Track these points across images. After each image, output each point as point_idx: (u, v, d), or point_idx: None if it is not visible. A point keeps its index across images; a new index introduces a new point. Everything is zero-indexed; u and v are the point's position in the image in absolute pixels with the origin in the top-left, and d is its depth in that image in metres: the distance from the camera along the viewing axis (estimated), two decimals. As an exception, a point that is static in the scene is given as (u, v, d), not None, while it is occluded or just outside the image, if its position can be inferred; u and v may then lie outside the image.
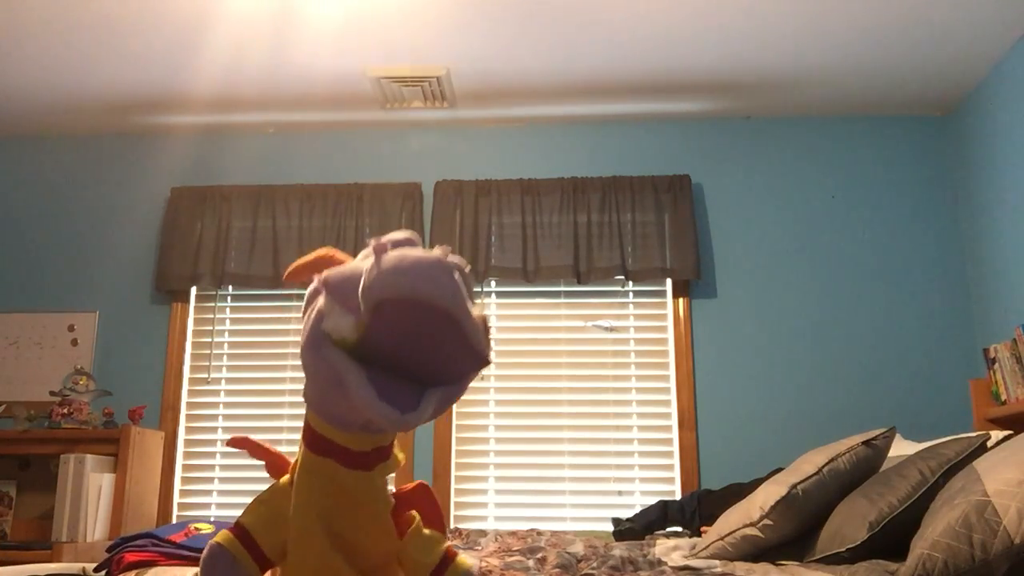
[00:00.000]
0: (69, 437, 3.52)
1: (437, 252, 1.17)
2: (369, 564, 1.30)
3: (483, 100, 3.90)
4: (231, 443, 1.46)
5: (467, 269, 1.25)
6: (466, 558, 1.36)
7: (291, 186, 4.01)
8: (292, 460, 1.38)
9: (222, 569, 1.26)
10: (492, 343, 1.40)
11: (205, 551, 1.28)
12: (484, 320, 1.25)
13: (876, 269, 3.86)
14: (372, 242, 1.20)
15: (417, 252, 1.15)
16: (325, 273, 1.22)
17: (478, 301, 1.34)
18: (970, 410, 3.60)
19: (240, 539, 1.28)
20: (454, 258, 1.19)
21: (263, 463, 1.45)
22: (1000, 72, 3.53)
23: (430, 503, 1.38)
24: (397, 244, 1.26)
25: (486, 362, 1.21)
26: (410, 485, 1.40)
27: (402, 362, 1.16)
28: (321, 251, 1.40)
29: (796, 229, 3.93)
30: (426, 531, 1.35)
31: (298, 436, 3.95)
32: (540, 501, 3.74)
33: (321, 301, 1.21)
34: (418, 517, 1.36)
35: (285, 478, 1.34)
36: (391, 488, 1.39)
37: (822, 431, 3.69)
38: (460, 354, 1.17)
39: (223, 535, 1.29)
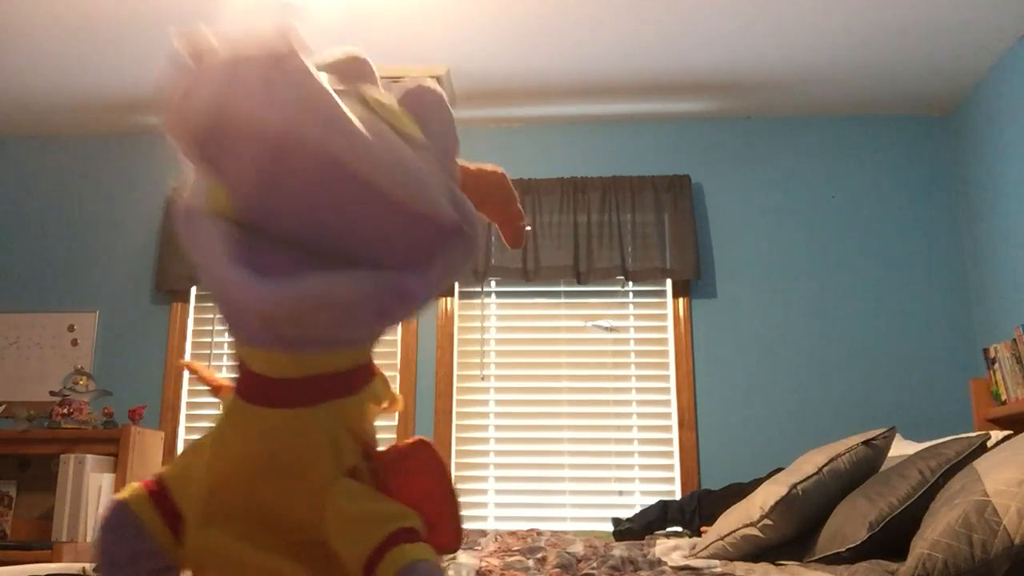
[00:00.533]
0: (69, 437, 3.51)
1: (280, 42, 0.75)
2: (301, 539, 0.89)
3: (483, 100, 3.90)
4: (182, 365, 1.20)
5: (414, 87, 0.85)
6: (421, 547, 0.87)
7: (291, 186, 4.00)
8: None
9: (122, 535, 0.93)
10: (517, 227, 0.97)
11: (104, 509, 0.96)
12: (485, 176, 0.87)
13: (876, 269, 3.86)
14: (181, 39, 0.76)
15: (249, 51, 0.75)
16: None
17: (432, 127, 0.87)
18: (970, 410, 3.60)
19: (152, 494, 0.95)
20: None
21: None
22: (1000, 72, 3.53)
23: (429, 470, 0.96)
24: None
25: (457, 231, 0.79)
26: (406, 441, 0.99)
27: (317, 244, 0.77)
28: None
29: (796, 229, 3.93)
30: (369, 503, 0.90)
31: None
32: (540, 501, 3.74)
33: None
34: (357, 486, 0.91)
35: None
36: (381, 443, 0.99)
37: (822, 431, 3.68)
38: (392, 224, 0.76)
39: (131, 488, 0.97)
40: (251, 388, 0.88)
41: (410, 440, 0.98)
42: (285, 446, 0.88)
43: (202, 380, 1.18)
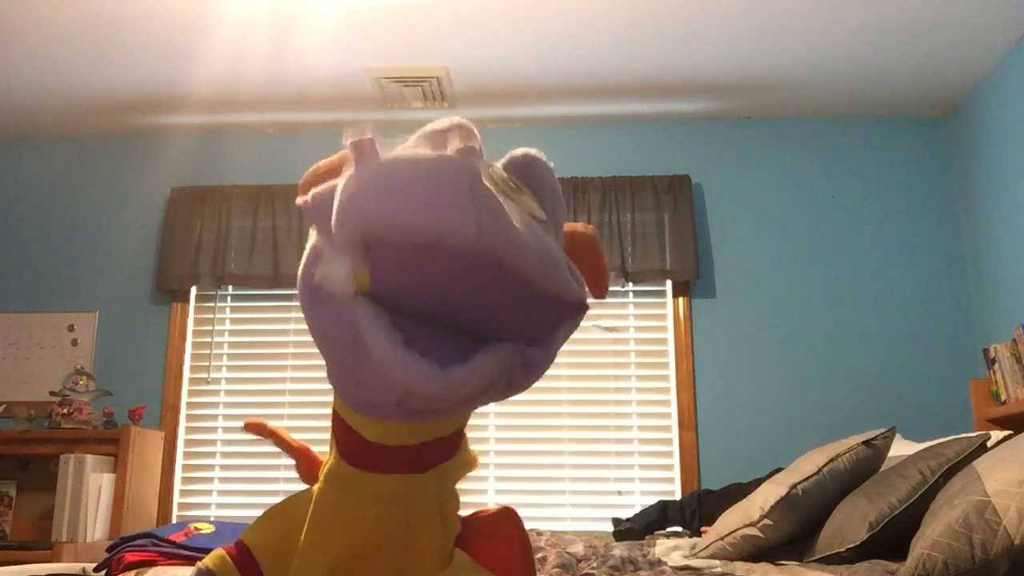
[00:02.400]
0: (69, 437, 3.51)
1: (450, 149, 0.76)
2: None
3: (483, 100, 3.90)
4: (247, 427, 1.18)
5: (521, 157, 0.87)
6: None
7: (291, 186, 4.00)
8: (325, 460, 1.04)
9: None
10: (603, 283, 0.99)
11: None
12: (576, 237, 0.89)
13: (876, 269, 3.86)
14: (348, 136, 0.78)
15: (416, 153, 0.76)
16: (312, 191, 0.82)
17: (545, 199, 0.90)
18: (970, 410, 3.59)
19: (239, 565, 0.94)
20: (472, 154, 0.76)
21: (293, 463, 1.15)
22: (1000, 72, 3.53)
23: (510, 537, 0.97)
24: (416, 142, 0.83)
25: (581, 306, 0.82)
26: (491, 509, 1.00)
27: (444, 314, 0.78)
28: (343, 157, 0.93)
29: (796, 229, 3.93)
30: None
31: (298, 437, 3.95)
32: (540, 501, 3.74)
33: (313, 233, 0.84)
34: (465, 557, 0.94)
35: (317, 486, 0.98)
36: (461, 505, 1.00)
37: (822, 431, 3.68)
38: (529, 307, 0.78)
39: (217, 557, 0.95)
40: (364, 456, 0.88)
41: (496, 507, 1.01)
42: (402, 512, 0.88)
43: (278, 443, 1.16)
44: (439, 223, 0.69)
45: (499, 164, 0.93)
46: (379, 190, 0.72)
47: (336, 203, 0.74)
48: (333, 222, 0.74)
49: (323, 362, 0.85)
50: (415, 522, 0.89)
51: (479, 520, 0.98)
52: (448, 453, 0.93)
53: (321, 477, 0.95)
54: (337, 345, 0.80)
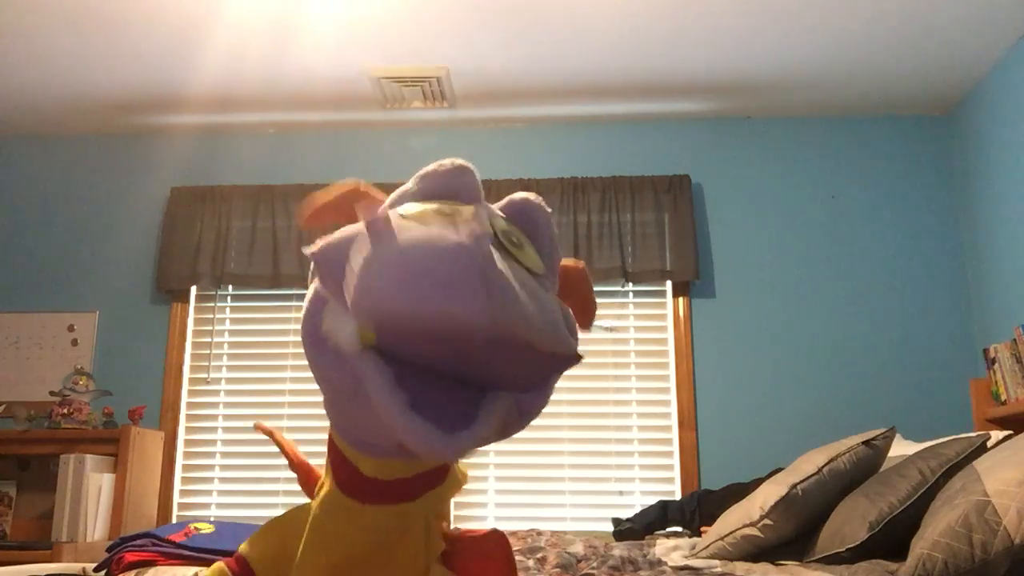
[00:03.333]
0: (69, 437, 3.51)
1: (462, 228, 0.77)
2: None
3: (483, 100, 3.90)
4: (258, 427, 1.25)
5: (520, 202, 0.89)
6: None
7: (291, 186, 4.00)
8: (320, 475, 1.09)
9: None
10: (591, 317, 1.02)
11: None
12: (569, 271, 0.91)
13: (876, 269, 3.86)
14: (362, 208, 0.81)
15: (431, 237, 0.75)
16: (319, 243, 0.84)
17: (543, 246, 0.93)
18: (970, 410, 3.60)
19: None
20: (487, 224, 0.78)
21: (290, 469, 1.21)
22: (1000, 72, 3.53)
23: (498, 559, 1.01)
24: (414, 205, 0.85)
25: (574, 359, 0.84)
26: (480, 531, 1.05)
27: (446, 368, 0.80)
28: (348, 185, 1.00)
29: (796, 229, 3.93)
30: None
31: (298, 438, 3.97)
32: (540, 501, 3.74)
33: (318, 281, 0.87)
34: (443, 571, 1.00)
35: (314, 506, 1.02)
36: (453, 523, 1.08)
37: (822, 431, 3.68)
38: (528, 364, 0.81)
39: (216, 571, 1.00)
40: (359, 488, 0.92)
41: (485, 529, 1.05)
42: (392, 541, 0.93)
43: (282, 452, 1.22)
44: (454, 317, 0.71)
45: (498, 208, 0.95)
46: (395, 284, 0.73)
47: (351, 287, 0.76)
48: (349, 302, 0.76)
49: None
50: (399, 544, 0.94)
51: (467, 540, 1.01)
52: (439, 478, 0.97)
53: (317, 500, 0.99)
54: (340, 393, 0.82)
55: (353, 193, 0.98)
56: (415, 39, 3.40)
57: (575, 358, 0.83)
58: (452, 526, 1.07)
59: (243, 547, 1.02)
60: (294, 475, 1.26)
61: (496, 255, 0.77)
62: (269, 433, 1.23)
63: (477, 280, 0.72)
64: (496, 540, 1.02)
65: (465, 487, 3.87)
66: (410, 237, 0.75)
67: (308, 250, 0.83)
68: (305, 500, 1.11)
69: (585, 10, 3.19)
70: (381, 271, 0.74)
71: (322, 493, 0.98)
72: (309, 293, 0.87)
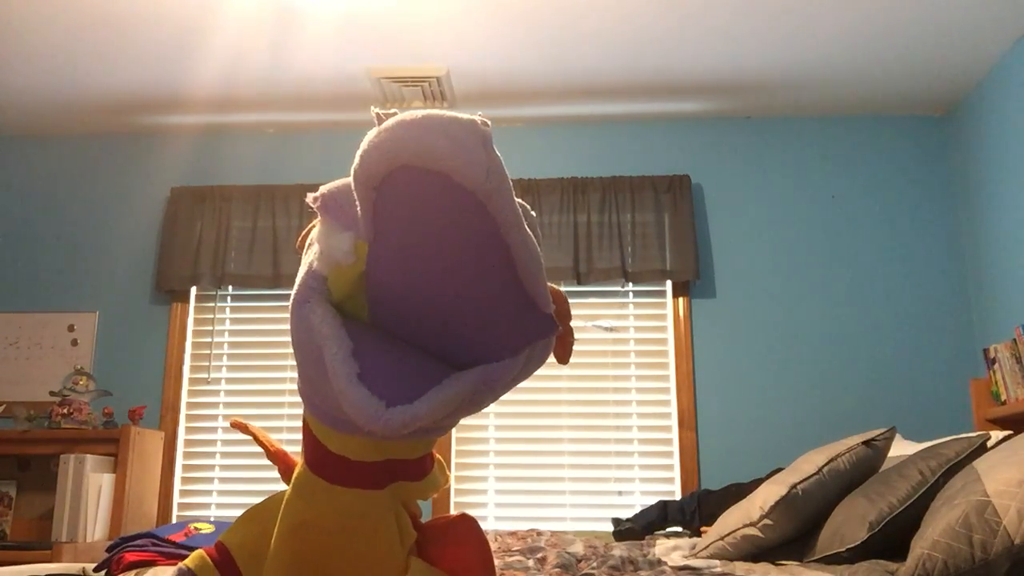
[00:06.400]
0: (69, 437, 3.51)
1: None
2: None
3: (483, 100, 3.90)
4: (233, 424, 1.27)
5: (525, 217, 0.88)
6: None
7: (291, 186, 4.01)
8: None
9: None
10: (567, 331, 1.02)
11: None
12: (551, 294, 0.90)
13: (876, 269, 3.86)
14: (375, 110, 0.85)
15: (440, 111, 0.82)
16: (321, 189, 0.90)
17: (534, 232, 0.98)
18: (970, 410, 3.60)
19: (219, 565, 1.01)
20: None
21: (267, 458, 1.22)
22: (1000, 72, 3.53)
23: (471, 543, 1.02)
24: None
25: (550, 323, 0.84)
26: (450, 516, 1.08)
27: (426, 315, 0.82)
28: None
29: (796, 229, 3.93)
30: None
31: (298, 438, 3.96)
32: (540, 501, 3.74)
33: (315, 234, 0.90)
34: (421, 564, 1.00)
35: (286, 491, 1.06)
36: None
37: (822, 431, 3.68)
38: (507, 296, 0.80)
39: (197, 557, 1.02)
40: (327, 466, 0.94)
41: (454, 514, 1.06)
42: (361, 525, 0.94)
43: (258, 443, 1.24)
44: (457, 157, 0.75)
45: None
46: (409, 125, 0.78)
47: (364, 146, 0.80)
48: (354, 167, 0.79)
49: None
50: (372, 534, 0.95)
51: (438, 527, 1.03)
52: (412, 475, 0.99)
53: (290, 483, 1.01)
54: (309, 361, 0.85)
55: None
56: (415, 39, 3.40)
57: (551, 324, 0.84)
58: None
59: (224, 535, 1.04)
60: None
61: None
62: (243, 427, 1.25)
63: (480, 140, 0.77)
64: (467, 524, 1.04)
65: (465, 486, 3.88)
66: (421, 111, 0.81)
67: (311, 197, 0.89)
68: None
69: (585, 10, 3.19)
70: (394, 125, 0.79)
71: (294, 476, 1.00)
72: (302, 267, 0.90)
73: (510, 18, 3.25)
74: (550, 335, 0.85)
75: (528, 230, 0.82)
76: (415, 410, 0.77)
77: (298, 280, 0.89)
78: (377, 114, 0.83)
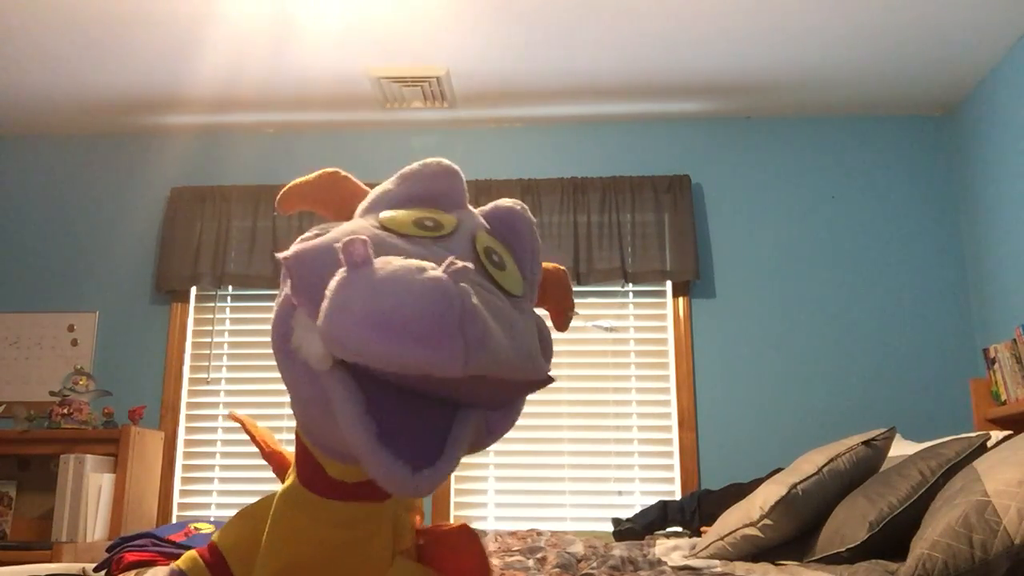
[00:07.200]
0: (69, 437, 3.51)
1: (441, 258, 0.76)
2: None
3: (483, 100, 3.90)
4: (231, 416, 1.26)
5: (505, 211, 0.89)
6: None
7: (291, 186, 4.00)
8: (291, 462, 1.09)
9: None
10: (568, 304, 1.04)
11: None
12: (549, 274, 0.92)
13: (876, 269, 3.86)
14: (341, 240, 0.77)
15: (408, 273, 0.73)
16: (293, 248, 0.84)
17: (525, 257, 0.94)
18: (970, 410, 3.60)
19: (210, 565, 1.00)
20: (461, 267, 0.75)
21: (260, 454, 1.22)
22: (1000, 72, 3.53)
23: (470, 552, 1.03)
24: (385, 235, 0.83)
25: (544, 381, 0.84)
26: (449, 524, 1.07)
27: (418, 387, 0.80)
28: (326, 173, 1.01)
29: (796, 229, 3.93)
30: None
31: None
32: (540, 501, 3.74)
33: (288, 286, 0.85)
34: (406, 562, 1.00)
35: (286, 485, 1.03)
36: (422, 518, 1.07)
37: (822, 431, 3.68)
38: (499, 390, 0.81)
39: (189, 559, 1.02)
40: (325, 487, 0.92)
41: (455, 524, 1.06)
42: (356, 535, 0.93)
43: (253, 442, 1.23)
44: (428, 360, 0.71)
45: (483, 212, 0.95)
46: (370, 322, 0.71)
47: (324, 315, 0.73)
48: (320, 332, 0.74)
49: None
50: (366, 543, 0.95)
51: (436, 534, 1.03)
52: None
53: (279, 493, 0.99)
54: (309, 405, 0.82)
55: (331, 178, 0.97)
56: (415, 39, 3.40)
57: (546, 381, 0.83)
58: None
59: (216, 535, 1.03)
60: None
61: (472, 292, 0.75)
62: (241, 422, 1.24)
63: (454, 328, 0.71)
64: (466, 534, 1.03)
65: (465, 486, 3.88)
66: (386, 274, 0.73)
67: (282, 255, 0.82)
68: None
69: (585, 11, 3.19)
70: (355, 307, 0.72)
71: (285, 484, 0.98)
72: (279, 297, 0.86)
73: (510, 19, 3.25)
74: (544, 386, 0.84)
75: (516, 349, 0.79)
76: (440, 473, 0.76)
77: (276, 309, 0.84)
78: (344, 247, 0.75)
